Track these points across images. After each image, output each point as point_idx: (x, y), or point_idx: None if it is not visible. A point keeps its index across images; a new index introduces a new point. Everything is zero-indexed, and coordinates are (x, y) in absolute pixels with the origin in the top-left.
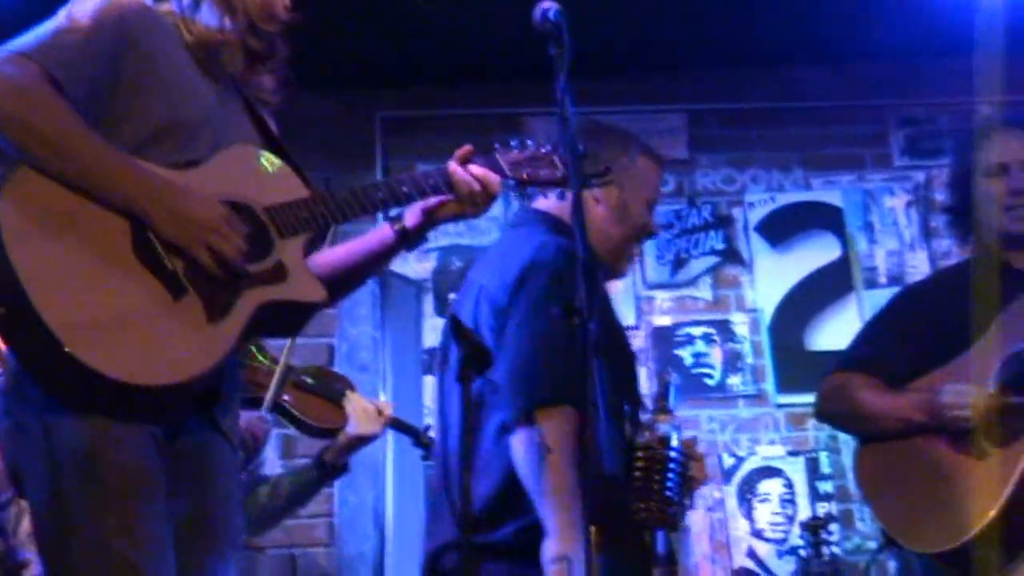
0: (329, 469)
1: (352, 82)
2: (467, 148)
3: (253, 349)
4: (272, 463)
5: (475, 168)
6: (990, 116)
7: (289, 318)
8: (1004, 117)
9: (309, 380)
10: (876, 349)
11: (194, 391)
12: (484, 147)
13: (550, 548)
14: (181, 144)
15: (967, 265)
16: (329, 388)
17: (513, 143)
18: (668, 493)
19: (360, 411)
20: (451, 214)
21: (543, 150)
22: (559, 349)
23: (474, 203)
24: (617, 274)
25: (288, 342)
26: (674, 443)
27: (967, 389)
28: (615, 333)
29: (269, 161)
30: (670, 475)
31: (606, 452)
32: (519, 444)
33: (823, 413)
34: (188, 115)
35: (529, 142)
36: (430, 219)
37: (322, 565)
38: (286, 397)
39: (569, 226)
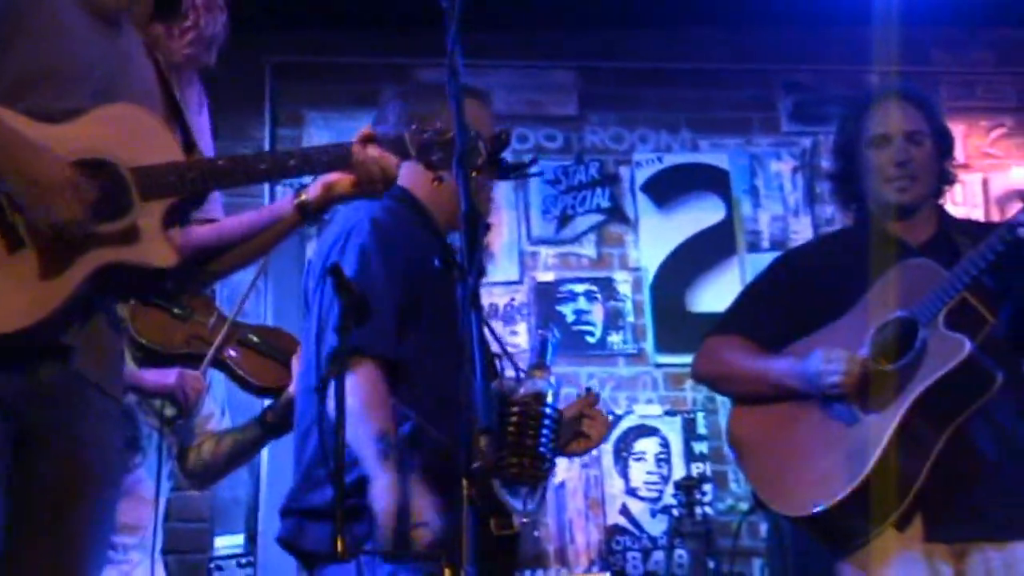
0: (271, 428)
1: (242, 25)
2: (368, 130)
3: (202, 305)
4: (219, 419)
5: (373, 150)
6: (876, 85)
7: (137, 281)
8: (890, 87)
9: (255, 338)
10: (754, 312)
11: (26, 344)
12: (374, 96)
13: (373, 501)
14: (58, 92)
15: (848, 232)
16: (274, 347)
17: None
18: (541, 450)
19: None
20: (349, 193)
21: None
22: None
23: (372, 184)
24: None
25: (239, 300)
26: (549, 399)
27: (839, 355)
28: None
29: (152, 123)
30: (544, 431)
31: (480, 406)
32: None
33: (699, 374)
34: (64, 62)
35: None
36: (329, 194)
37: (197, 508)
38: (232, 353)
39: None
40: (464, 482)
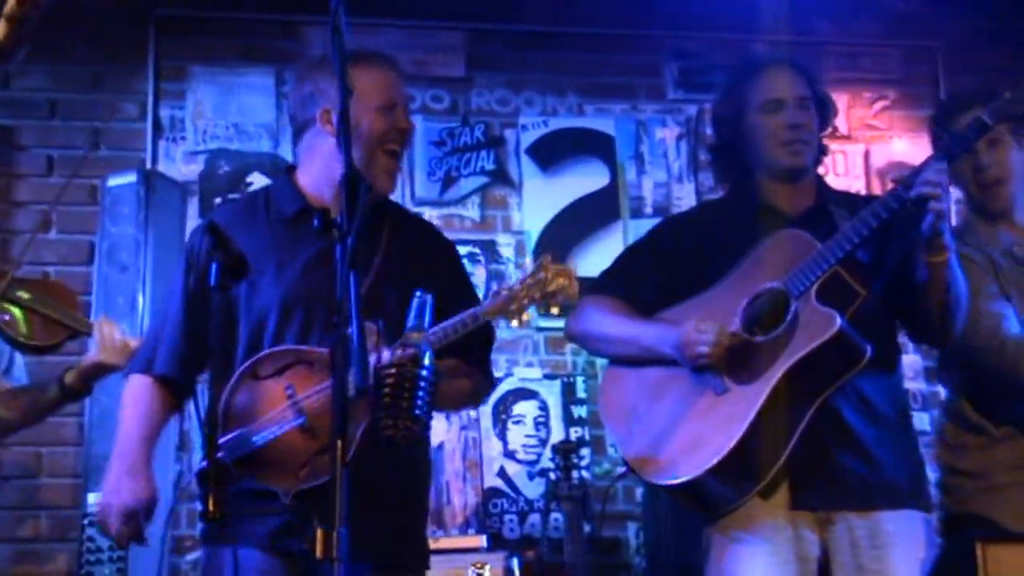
0: (69, 391)
1: None
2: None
3: None
4: (21, 370)
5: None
6: (762, 53)
7: None
8: (778, 54)
9: (24, 295)
10: (631, 275)
11: None
12: (260, 52)
13: None
14: None
15: (729, 201)
16: (47, 303)
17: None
18: (417, 412)
19: (108, 339)
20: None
21: None
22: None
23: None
24: (378, 190)
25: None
26: (426, 361)
27: (709, 327)
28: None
29: None
30: (420, 393)
31: (356, 367)
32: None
33: (572, 333)
34: None
35: None
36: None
37: (69, 464)
38: (5, 317)
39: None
40: (338, 444)
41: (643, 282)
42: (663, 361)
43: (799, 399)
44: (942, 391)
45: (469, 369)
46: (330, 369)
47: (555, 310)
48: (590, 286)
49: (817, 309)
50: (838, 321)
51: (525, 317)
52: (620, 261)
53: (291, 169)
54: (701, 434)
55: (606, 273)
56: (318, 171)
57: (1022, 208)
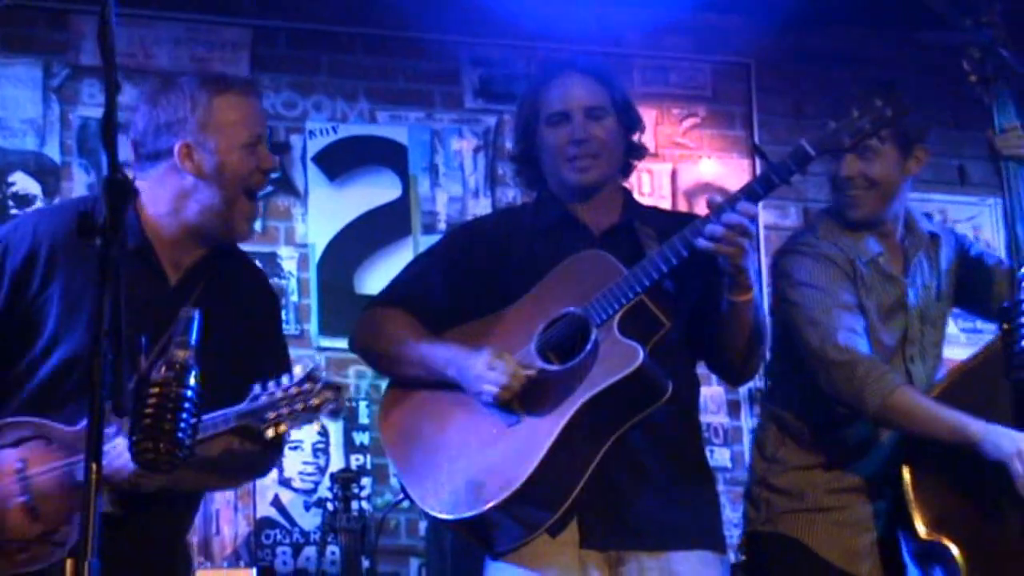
0: None
1: None
2: None
3: None
4: None
5: None
6: (555, 60)
7: None
8: (567, 61)
9: None
10: (422, 287)
11: None
12: (29, 41)
13: None
14: None
15: (530, 211)
16: None
17: None
18: (180, 435)
19: None
20: None
21: None
22: None
23: None
24: (234, 236)
25: None
26: (191, 381)
27: (503, 366)
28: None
29: None
30: (183, 415)
31: (116, 386)
32: None
33: (356, 344)
34: None
35: None
36: None
37: None
38: None
39: None
40: (93, 468)
41: (435, 295)
42: (450, 385)
43: (594, 434)
44: (750, 421)
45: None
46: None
47: (316, 426)
48: (377, 295)
49: (619, 341)
50: (640, 356)
51: (281, 428)
52: (409, 270)
53: (136, 193)
54: (489, 467)
55: (395, 281)
56: (166, 208)
57: (897, 219)
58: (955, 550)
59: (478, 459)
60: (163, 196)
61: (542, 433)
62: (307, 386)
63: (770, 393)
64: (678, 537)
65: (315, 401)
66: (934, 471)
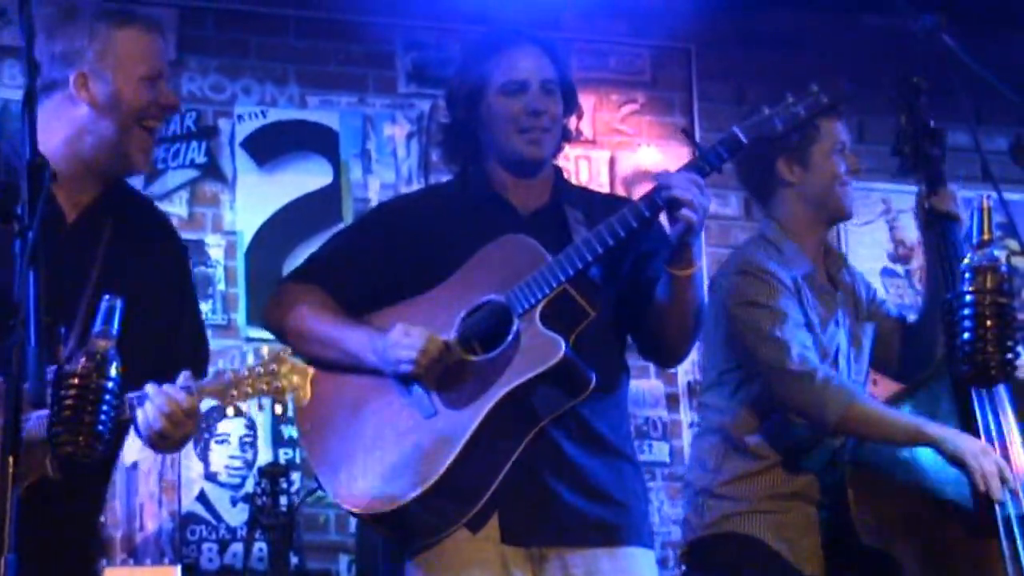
0: None
1: None
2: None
3: None
4: None
5: None
6: (504, 29)
7: None
8: (524, 32)
9: None
10: (340, 265)
11: None
12: None
13: None
14: None
15: (455, 190)
16: None
17: None
18: (99, 427)
19: None
20: None
21: None
22: None
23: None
24: (131, 169)
25: None
26: (112, 372)
27: (418, 333)
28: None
29: None
30: (103, 407)
31: (32, 376)
32: None
33: (268, 322)
34: None
35: None
36: None
37: None
38: None
39: None
40: (10, 461)
41: (353, 274)
42: (366, 370)
43: (514, 427)
44: (689, 415)
45: None
46: None
47: (279, 409)
48: (293, 270)
49: (541, 332)
50: (562, 348)
51: (243, 407)
52: (328, 246)
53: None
54: (404, 459)
55: (312, 258)
56: (60, 141)
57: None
58: (900, 557)
59: (394, 450)
60: (57, 129)
61: (460, 426)
62: (274, 367)
63: (712, 406)
64: (604, 533)
65: (282, 383)
66: (872, 480)
